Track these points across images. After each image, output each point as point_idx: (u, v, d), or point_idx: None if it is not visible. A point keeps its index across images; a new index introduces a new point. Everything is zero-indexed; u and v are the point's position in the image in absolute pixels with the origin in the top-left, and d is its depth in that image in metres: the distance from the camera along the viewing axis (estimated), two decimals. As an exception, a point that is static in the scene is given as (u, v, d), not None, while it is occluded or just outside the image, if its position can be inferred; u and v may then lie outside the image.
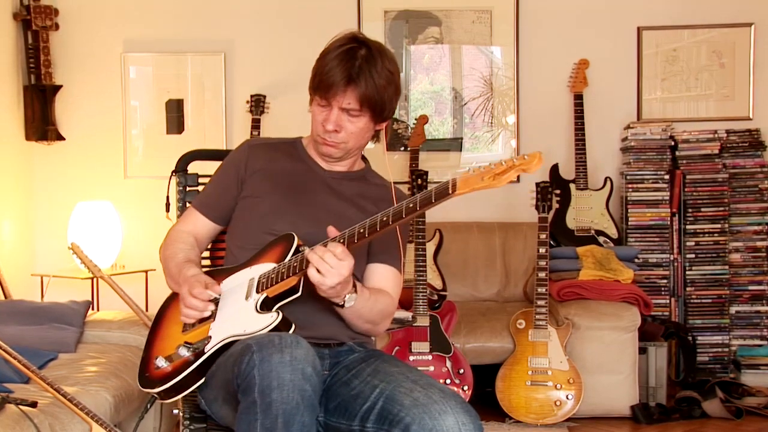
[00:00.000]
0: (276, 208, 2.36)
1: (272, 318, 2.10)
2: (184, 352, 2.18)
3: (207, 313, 2.20)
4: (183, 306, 2.22)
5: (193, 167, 2.73)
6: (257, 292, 2.19)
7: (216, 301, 2.24)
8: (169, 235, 2.47)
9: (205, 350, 2.16)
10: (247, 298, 2.20)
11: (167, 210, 2.84)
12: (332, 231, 2.13)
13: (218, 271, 2.38)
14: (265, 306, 2.15)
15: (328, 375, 2.27)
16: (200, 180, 2.69)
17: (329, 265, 2.04)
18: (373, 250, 2.42)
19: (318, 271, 2.05)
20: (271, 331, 2.06)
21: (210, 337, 2.18)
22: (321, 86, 2.27)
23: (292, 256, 2.19)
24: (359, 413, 2.11)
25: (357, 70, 2.25)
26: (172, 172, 2.70)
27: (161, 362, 2.22)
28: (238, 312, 2.19)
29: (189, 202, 2.66)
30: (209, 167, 2.57)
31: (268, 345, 1.91)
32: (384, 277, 2.40)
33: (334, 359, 2.29)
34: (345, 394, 2.19)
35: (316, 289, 2.10)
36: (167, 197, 2.80)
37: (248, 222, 2.38)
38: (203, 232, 2.49)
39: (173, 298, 2.43)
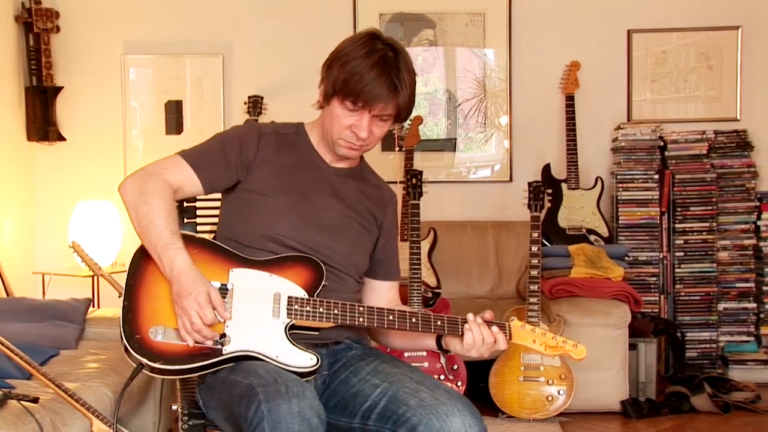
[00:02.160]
0: (281, 211, 2.28)
1: (312, 362, 2.12)
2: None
3: (209, 343, 2.09)
4: (185, 322, 2.07)
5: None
6: (288, 316, 2.15)
7: (224, 290, 2.15)
8: (151, 180, 2.21)
9: (224, 352, 2.09)
10: (274, 315, 2.15)
11: None
12: (490, 314, 2.23)
13: (222, 250, 2.24)
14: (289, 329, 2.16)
15: (327, 374, 2.26)
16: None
17: (480, 346, 2.19)
18: (379, 266, 2.46)
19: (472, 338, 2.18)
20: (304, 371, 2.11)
21: (227, 336, 2.10)
22: (361, 95, 2.18)
23: (320, 291, 2.20)
24: (360, 411, 2.12)
25: (399, 80, 2.20)
26: None
27: (160, 334, 2.08)
28: (266, 329, 2.13)
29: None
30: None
31: (275, 395, 1.89)
32: (395, 291, 2.51)
33: (332, 358, 2.29)
34: (344, 392, 2.19)
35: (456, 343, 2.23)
36: None
37: (251, 220, 2.28)
38: (187, 190, 2.29)
39: None
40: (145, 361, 2.06)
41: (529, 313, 4.25)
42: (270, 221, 2.26)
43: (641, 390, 4.48)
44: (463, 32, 5.34)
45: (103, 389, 3.17)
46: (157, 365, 2.06)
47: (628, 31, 5.31)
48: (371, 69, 2.18)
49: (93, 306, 4.37)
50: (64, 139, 5.28)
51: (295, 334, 2.16)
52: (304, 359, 2.11)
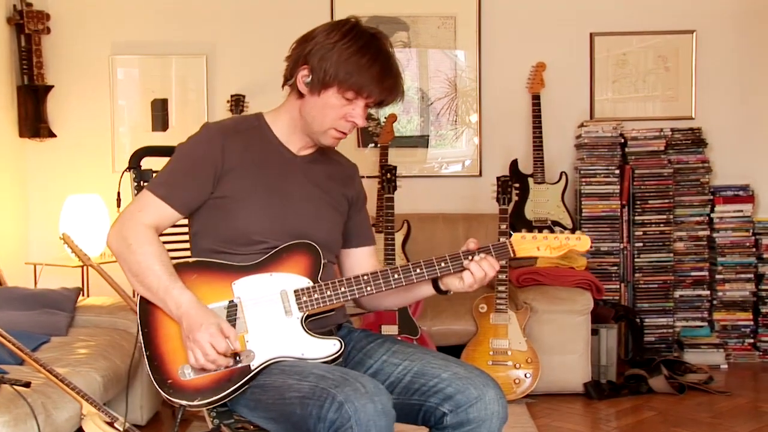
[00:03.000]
0: (260, 209, 2.15)
1: (336, 347, 2.06)
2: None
3: (222, 369, 2.00)
4: (200, 355, 1.97)
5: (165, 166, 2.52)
6: (300, 310, 2.07)
7: (233, 306, 2.06)
8: (130, 228, 2.09)
9: (252, 367, 2.02)
10: (287, 314, 2.07)
11: (118, 206, 2.73)
12: (475, 243, 2.19)
13: (218, 266, 2.13)
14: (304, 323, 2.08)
15: (341, 359, 2.18)
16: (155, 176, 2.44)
17: (483, 280, 2.16)
18: (356, 234, 2.37)
19: (472, 274, 2.14)
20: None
21: (251, 351, 2.03)
22: (377, 88, 2.10)
23: (322, 273, 2.11)
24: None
25: (399, 72, 2.15)
26: (126, 168, 2.47)
27: (188, 373, 2.00)
28: (283, 330, 2.06)
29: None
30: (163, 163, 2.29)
31: (357, 395, 1.83)
32: (375, 257, 2.41)
33: None
34: (361, 372, 2.11)
35: (458, 279, 2.17)
36: (118, 193, 2.65)
37: (230, 224, 2.15)
38: (166, 223, 2.16)
39: None
40: (184, 402, 1.99)
41: (498, 301, 4.27)
42: (250, 221, 2.15)
43: (602, 373, 4.50)
44: (435, 34, 5.35)
45: (92, 374, 3.16)
46: (196, 402, 1.99)
47: (591, 34, 5.33)
48: (374, 62, 2.09)
49: (82, 295, 4.35)
50: (55, 136, 5.24)
51: (312, 321, 2.10)
52: (328, 347, 2.06)
